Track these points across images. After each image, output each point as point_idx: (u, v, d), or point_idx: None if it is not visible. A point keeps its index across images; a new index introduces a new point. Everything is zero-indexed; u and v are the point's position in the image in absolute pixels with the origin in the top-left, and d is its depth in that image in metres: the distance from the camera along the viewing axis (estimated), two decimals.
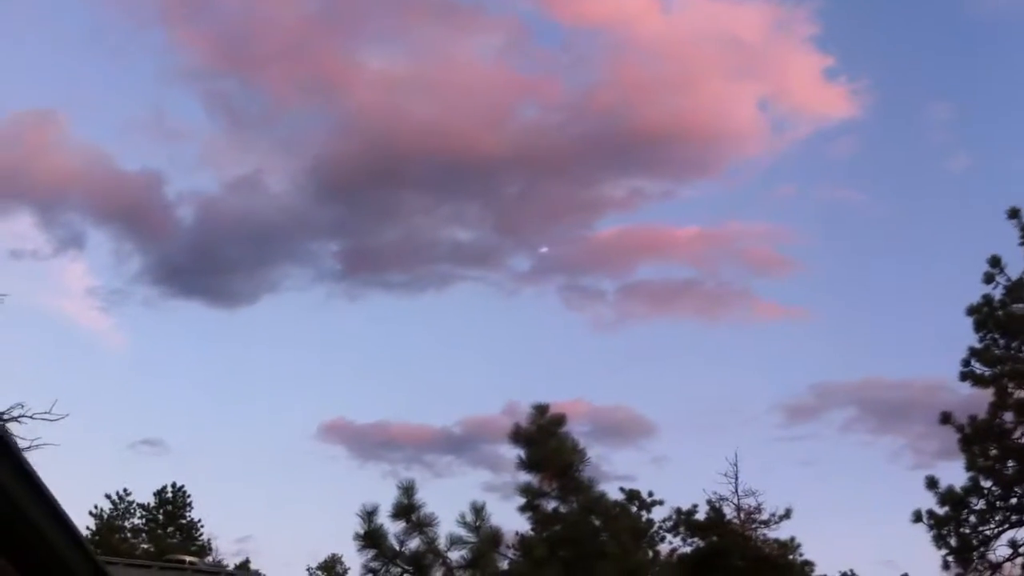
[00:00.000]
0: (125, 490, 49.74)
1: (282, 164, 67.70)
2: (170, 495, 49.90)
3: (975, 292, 23.80)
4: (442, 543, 15.86)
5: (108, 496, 49.08)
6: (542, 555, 15.28)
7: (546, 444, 16.41)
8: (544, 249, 59.95)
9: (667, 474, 56.92)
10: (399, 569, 15.67)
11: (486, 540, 15.78)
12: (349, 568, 60.15)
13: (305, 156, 63.50)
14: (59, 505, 4.75)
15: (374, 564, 15.69)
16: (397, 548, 15.68)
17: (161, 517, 49.41)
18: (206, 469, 73.14)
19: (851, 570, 29.27)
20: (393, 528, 15.84)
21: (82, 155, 59.17)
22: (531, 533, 16.94)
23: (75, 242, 61.33)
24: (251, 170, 67.82)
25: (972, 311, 23.58)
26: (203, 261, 59.08)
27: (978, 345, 23.55)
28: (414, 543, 15.77)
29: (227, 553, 47.90)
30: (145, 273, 71.14)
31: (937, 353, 61.71)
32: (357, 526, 15.74)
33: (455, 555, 15.89)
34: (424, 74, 54.97)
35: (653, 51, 54.24)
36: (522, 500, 16.52)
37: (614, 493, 27.45)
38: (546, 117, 57.63)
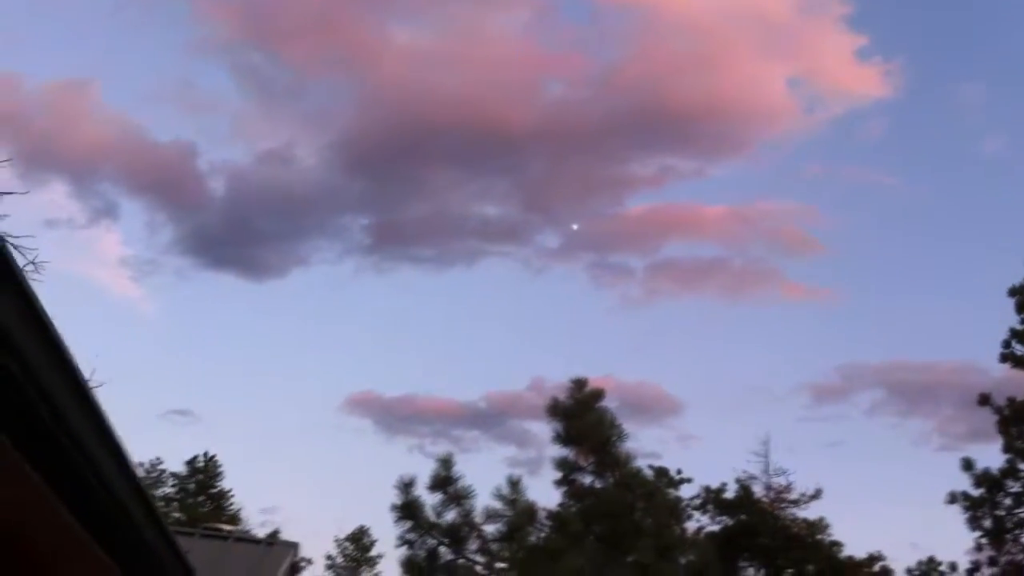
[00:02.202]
0: (158, 458, 50.26)
1: (311, 137, 67.72)
2: (202, 464, 50.33)
3: (1006, 275, 23.64)
4: (478, 516, 15.90)
5: (141, 464, 49.59)
6: (578, 530, 15.27)
7: (584, 418, 16.37)
8: (575, 226, 59.71)
9: (693, 452, 56.94)
10: (435, 540, 15.72)
11: (522, 514, 15.79)
12: (376, 540, 60.68)
13: (334, 130, 63.48)
14: (135, 470, 4.78)
15: (410, 535, 15.76)
16: (433, 520, 15.72)
17: (192, 486, 49.85)
18: (233, 440, 73.78)
19: (879, 551, 29.09)
20: (430, 500, 15.89)
21: (115, 125, 59.34)
22: (563, 508, 16.97)
23: (109, 212, 61.68)
24: (281, 143, 67.90)
25: (1014, 292, 23.36)
26: (234, 233, 59.34)
27: (1019, 326, 23.34)
28: (450, 515, 15.81)
29: (254, 524, 48.30)
30: (177, 244, 71.53)
31: (965, 336, 61.11)
32: (394, 497, 15.80)
33: (490, 528, 15.93)
34: (452, 48, 54.70)
35: (682, 27, 53.66)
36: (557, 474, 16.52)
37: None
38: (574, 93, 57.25)
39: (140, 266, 69.59)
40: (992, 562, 23.32)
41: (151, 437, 59.36)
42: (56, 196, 50.44)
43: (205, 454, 50.46)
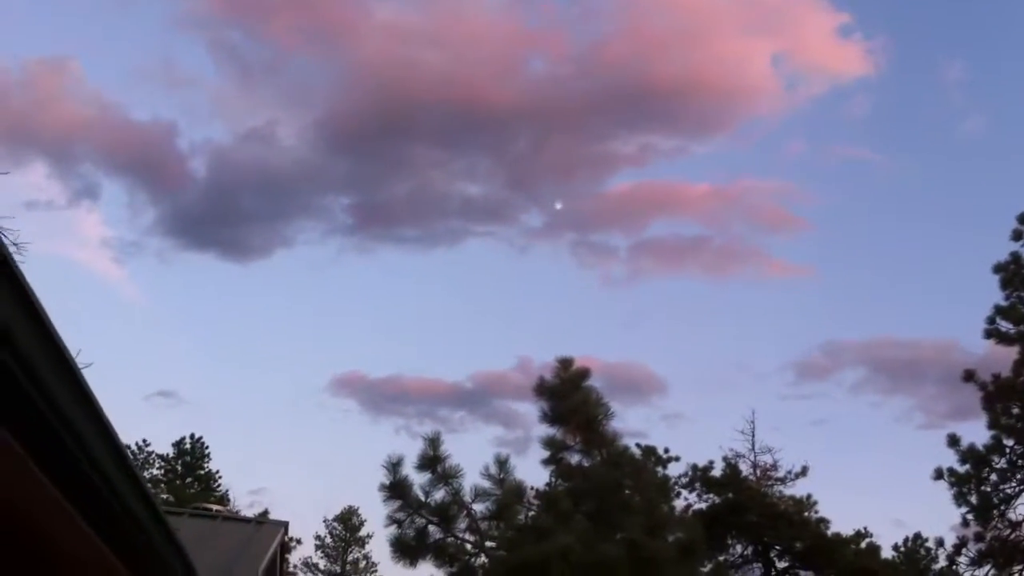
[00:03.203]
0: (144, 440, 50.20)
1: (293, 116, 67.52)
2: (188, 446, 50.29)
3: (991, 252, 23.74)
4: (466, 495, 15.90)
5: (128, 447, 49.43)
6: (567, 508, 15.28)
7: (570, 397, 16.36)
8: (559, 205, 59.74)
9: (679, 431, 57.25)
10: (424, 520, 15.71)
11: (510, 492, 15.80)
12: (365, 520, 60.78)
13: (316, 108, 63.34)
14: (124, 449, 4.75)
15: (399, 515, 15.74)
16: (422, 499, 15.72)
17: (180, 468, 49.83)
18: (219, 421, 73.79)
19: (865, 527, 29.29)
20: (418, 479, 15.88)
21: (94, 104, 59.08)
22: (551, 487, 16.99)
23: (89, 193, 61.51)
24: (263, 122, 67.77)
25: (999, 269, 23.44)
26: (217, 213, 59.17)
27: (1004, 303, 23.43)
28: (439, 494, 15.80)
29: (242, 505, 48.33)
30: (159, 224, 71.45)
31: (948, 313, 61.54)
32: (382, 477, 15.78)
33: (479, 507, 15.93)
34: (433, 25, 54.53)
35: (664, 4, 53.60)
36: (544, 453, 16.51)
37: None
38: (556, 70, 57.19)
39: (122, 247, 69.42)
40: (979, 538, 23.47)
41: (137, 419, 59.33)
42: (36, 177, 50.13)
43: (192, 436, 50.49)
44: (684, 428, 52.01)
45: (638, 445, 28.71)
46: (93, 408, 4.21)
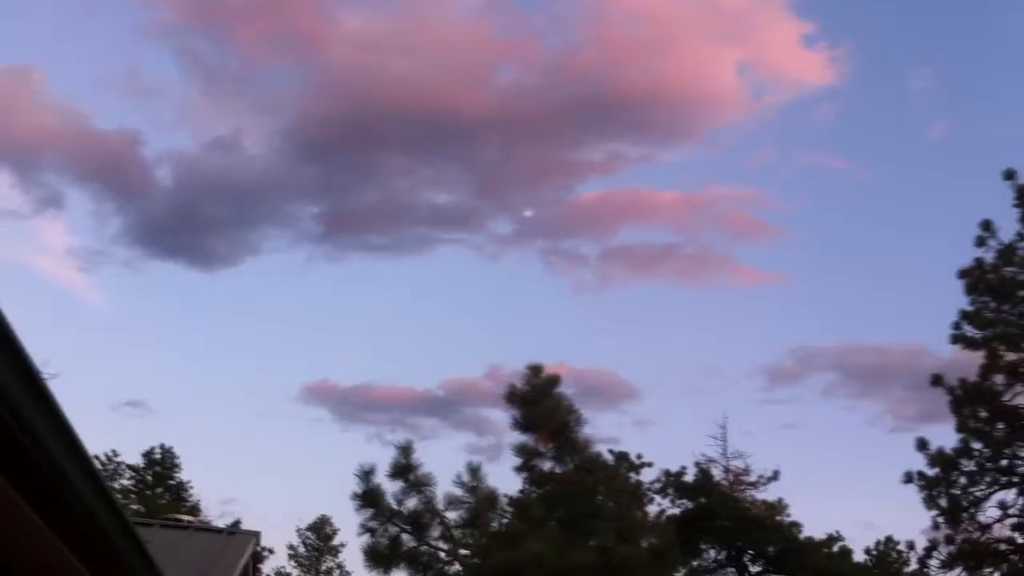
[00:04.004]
0: (114, 451, 49.78)
1: (260, 124, 67.25)
2: (159, 456, 49.93)
3: (955, 257, 24.00)
4: (439, 503, 15.90)
5: (96, 457, 49.03)
6: (539, 515, 15.31)
7: (541, 404, 16.41)
8: (528, 212, 59.80)
9: (651, 437, 57.34)
10: (397, 528, 15.70)
11: (483, 500, 15.83)
12: (339, 529, 60.55)
13: (283, 116, 63.17)
14: (91, 459, 4.73)
15: (372, 523, 15.74)
16: (395, 507, 15.71)
17: (150, 478, 49.46)
18: (188, 431, 73.31)
19: (837, 531, 29.46)
20: (391, 488, 15.87)
21: (59, 113, 58.52)
22: (524, 493, 17.02)
23: (54, 202, 61.06)
24: (229, 130, 67.34)
25: (964, 274, 23.66)
26: (183, 222, 58.80)
27: (969, 308, 23.64)
28: (412, 502, 15.81)
29: (213, 515, 48.00)
30: (125, 234, 70.99)
31: (916, 318, 61.98)
32: (355, 485, 15.79)
33: (452, 515, 15.95)
34: (402, 33, 54.40)
35: (632, 13, 53.80)
36: (517, 460, 16.55)
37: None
38: (525, 79, 57.20)
39: (88, 256, 68.91)
40: (949, 540, 23.63)
41: (104, 429, 58.91)
42: (0, 187, 49.76)
43: (161, 446, 50.09)
44: (656, 434, 52.12)
45: (610, 451, 28.77)
46: (60, 419, 4.19)
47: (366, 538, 15.77)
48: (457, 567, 16.19)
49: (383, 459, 16.19)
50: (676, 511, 28.79)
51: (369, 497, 15.69)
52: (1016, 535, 23.56)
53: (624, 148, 63.43)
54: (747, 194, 60.32)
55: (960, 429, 23.37)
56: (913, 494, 23.54)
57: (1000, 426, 23.32)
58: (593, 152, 63.98)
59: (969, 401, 23.27)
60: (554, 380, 16.78)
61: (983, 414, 23.35)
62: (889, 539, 41.14)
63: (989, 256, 23.52)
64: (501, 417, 16.74)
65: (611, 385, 48.50)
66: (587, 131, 55.65)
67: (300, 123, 55.26)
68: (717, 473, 29.50)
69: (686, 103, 53.43)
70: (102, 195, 77.33)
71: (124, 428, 64.71)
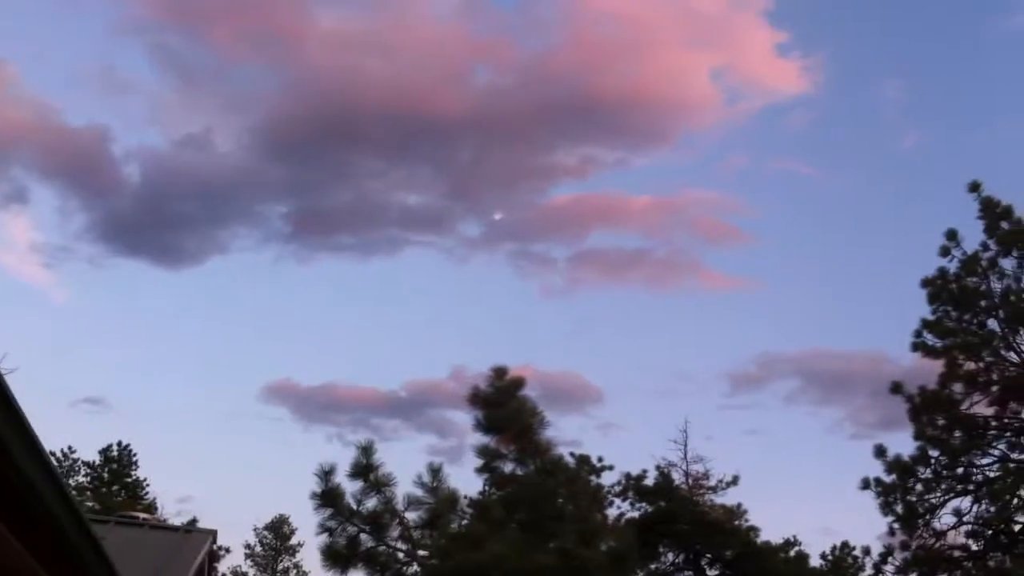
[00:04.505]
0: (70, 447, 49.24)
1: (231, 122, 66.87)
2: (115, 453, 49.42)
3: (921, 266, 24.21)
4: (399, 503, 15.81)
5: (53, 453, 48.42)
6: (500, 517, 15.25)
7: (504, 406, 16.34)
8: (498, 215, 59.80)
9: (614, 440, 57.61)
10: (356, 528, 15.59)
11: (444, 501, 15.74)
12: (297, 528, 60.22)
13: (255, 115, 62.83)
14: (47, 455, 4.63)
15: (330, 523, 15.61)
16: (354, 507, 15.60)
17: (106, 475, 48.94)
18: (147, 429, 72.72)
19: (794, 536, 29.64)
20: (350, 488, 15.76)
21: (30, 108, 57.94)
22: (485, 495, 16.97)
23: (19, 197, 60.30)
24: (200, 128, 66.95)
25: (926, 283, 23.88)
26: (150, 219, 58.35)
27: (931, 317, 23.85)
28: (371, 503, 15.70)
29: (170, 513, 47.58)
30: (90, 230, 70.35)
31: (879, 326, 62.66)
32: (314, 485, 15.65)
33: (412, 515, 15.86)
34: (376, 34, 54.25)
35: (608, 17, 53.94)
36: (478, 462, 16.47)
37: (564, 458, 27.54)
38: (500, 81, 57.27)
39: (52, 252, 68.13)
40: (904, 546, 23.84)
41: (62, 426, 58.27)
42: None
43: (119, 443, 49.58)
44: (618, 437, 52.31)
45: (572, 454, 28.76)
46: (15, 413, 4.10)
47: (324, 538, 15.65)
48: (416, 568, 16.10)
49: (344, 459, 16.09)
50: (636, 514, 28.85)
51: (328, 497, 15.56)
52: (971, 542, 23.83)
53: (598, 152, 63.83)
54: (719, 199, 60.82)
55: (918, 436, 23.58)
56: (870, 500, 23.75)
57: (957, 434, 23.55)
58: (567, 155, 64.25)
59: (927, 409, 23.48)
60: (518, 382, 16.72)
61: (941, 422, 23.57)
62: (845, 544, 41.48)
63: (953, 266, 23.78)
64: (464, 419, 16.68)
65: (576, 388, 48.64)
66: (562, 134, 55.85)
67: (272, 122, 55.03)
68: (677, 477, 29.59)
69: (661, 108, 53.78)
70: (68, 191, 76.65)
71: (82, 425, 64.15)
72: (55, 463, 5.03)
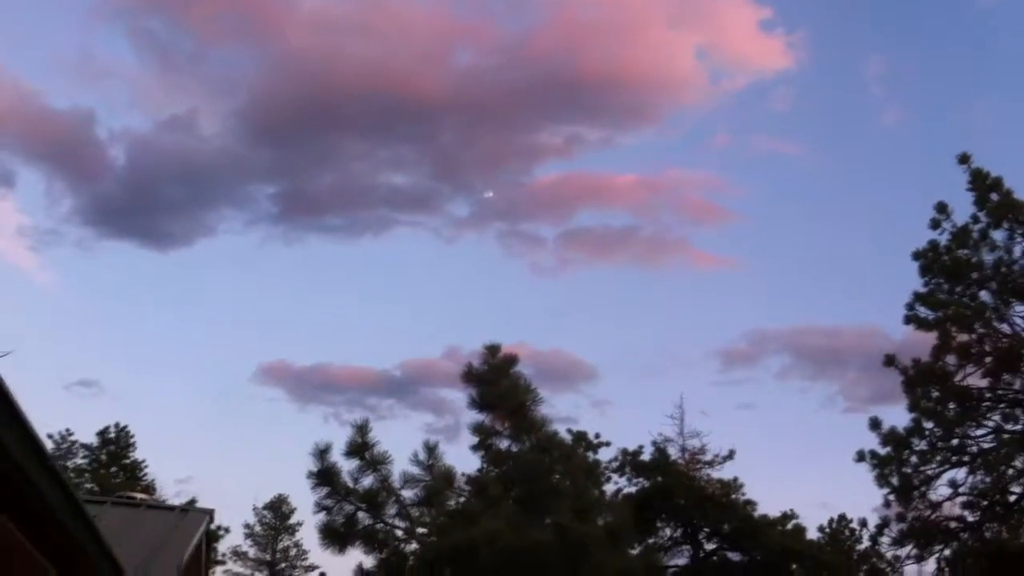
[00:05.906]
0: (68, 430, 49.25)
1: (216, 105, 66.64)
2: (113, 435, 49.44)
3: (907, 241, 24.23)
4: (395, 481, 15.85)
5: (50, 436, 48.50)
6: (496, 493, 15.30)
7: (499, 384, 16.36)
8: (489, 194, 59.70)
9: (608, 417, 57.70)
10: (353, 506, 15.64)
11: (440, 478, 15.79)
12: (295, 507, 60.38)
13: (240, 97, 62.63)
14: (42, 443, 4.65)
15: (327, 502, 15.66)
16: (351, 486, 15.64)
17: (104, 457, 48.97)
18: (143, 410, 72.77)
19: (792, 509, 29.76)
20: (347, 466, 15.79)
21: (11, 92, 57.63)
22: (481, 472, 17.00)
23: (5, 181, 60.12)
24: (184, 110, 66.71)
25: (918, 256, 23.90)
26: (136, 202, 58.19)
27: (923, 289, 23.89)
28: (368, 481, 15.74)
29: (169, 494, 47.66)
30: (77, 213, 70.18)
31: (868, 301, 62.71)
32: (311, 464, 15.68)
33: (409, 493, 15.90)
34: (360, 15, 53.97)
35: None
36: (474, 439, 16.51)
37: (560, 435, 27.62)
38: (484, 61, 57.08)
39: (40, 236, 67.96)
40: (900, 518, 23.96)
41: (58, 409, 58.28)
42: None
43: (116, 425, 49.59)
44: (614, 414, 52.47)
45: (568, 431, 28.87)
46: (6, 397, 4.12)
47: (322, 516, 15.70)
48: (413, 545, 16.17)
49: (340, 438, 16.11)
50: (633, 490, 28.98)
51: (325, 475, 15.60)
52: (966, 513, 23.96)
53: (583, 131, 63.64)
54: (704, 178, 60.78)
55: (912, 409, 23.67)
56: (865, 473, 23.87)
57: (951, 406, 23.64)
58: (552, 135, 64.08)
59: (921, 381, 23.56)
60: (512, 360, 16.73)
61: (935, 394, 23.66)
62: (842, 517, 41.76)
63: (943, 238, 23.78)
64: (459, 397, 16.70)
65: (570, 366, 48.72)
66: (546, 114, 55.68)
67: (257, 104, 54.83)
68: (673, 453, 29.73)
69: (645, 87, 53.62)
70: (54, 174, 76.40)
71: (78, 407, 64.12)
72: (45, 444, 5.05)
